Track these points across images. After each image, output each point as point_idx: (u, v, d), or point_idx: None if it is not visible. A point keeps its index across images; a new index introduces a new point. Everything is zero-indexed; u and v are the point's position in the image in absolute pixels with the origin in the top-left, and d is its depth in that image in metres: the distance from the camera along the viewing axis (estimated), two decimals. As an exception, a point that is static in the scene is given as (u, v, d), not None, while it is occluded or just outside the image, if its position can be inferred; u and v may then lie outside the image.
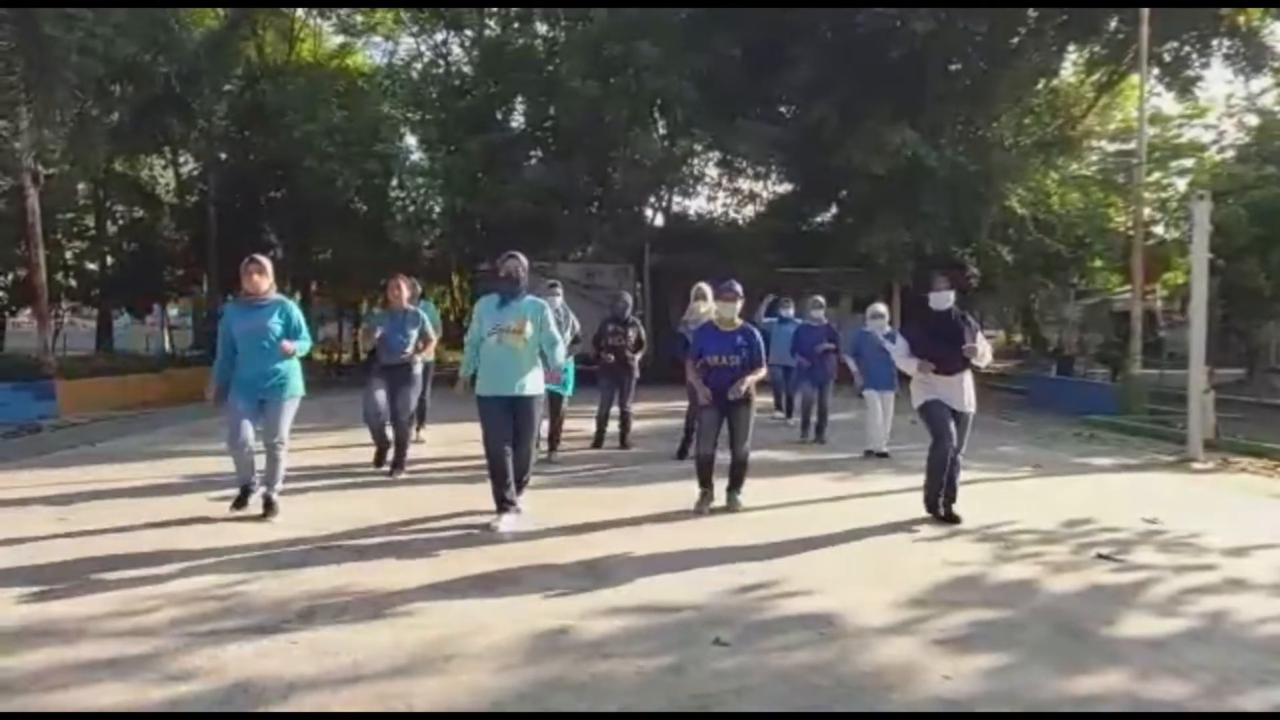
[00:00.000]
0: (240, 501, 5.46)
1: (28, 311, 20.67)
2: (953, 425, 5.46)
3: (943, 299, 5.55)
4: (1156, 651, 3.35)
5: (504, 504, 5.21)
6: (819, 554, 4.69)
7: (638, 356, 8.32)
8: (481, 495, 6.03)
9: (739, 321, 5.74)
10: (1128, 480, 7.38)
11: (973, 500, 6.15)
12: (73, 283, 22.23)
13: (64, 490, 6.21)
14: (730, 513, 5.64)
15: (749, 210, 21.82)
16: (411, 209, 21.11)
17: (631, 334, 8.26)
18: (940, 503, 5.53)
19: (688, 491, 5.86)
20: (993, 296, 24.67)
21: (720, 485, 5.78)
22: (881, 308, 8.52)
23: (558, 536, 4.98)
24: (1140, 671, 3.16)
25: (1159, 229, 19.84)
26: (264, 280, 5.33)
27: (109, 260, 21.89)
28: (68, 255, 21.99)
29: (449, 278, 27.01)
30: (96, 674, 3.02)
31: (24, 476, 6.92)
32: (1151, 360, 16.26)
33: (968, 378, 5.55)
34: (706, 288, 6.76)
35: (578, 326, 7.81)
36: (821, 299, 9.81)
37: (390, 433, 6.94)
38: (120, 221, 23.33)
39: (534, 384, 5.25)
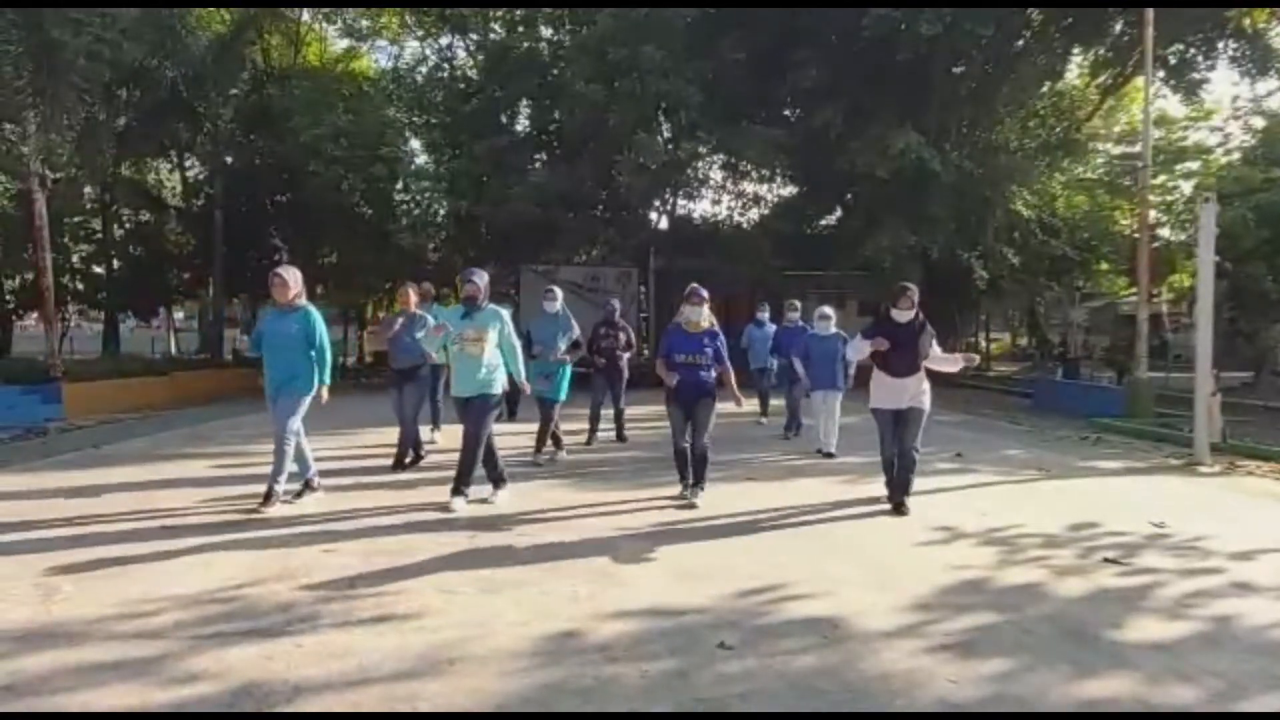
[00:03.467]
0: (300, 493, 5.91)
1: (35, 315, 20.78)
2: (895, 424, 5.95)
3: (904, 314, 5.90)
4: (1164, 656, 3.33)
5: (499, 480, 6.04)
6: (823, 557, 4.68)
7: (626, 357, 8.75)
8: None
9: (706, 324, 6.07)
10: (1134, 483, 7.35)
11: (978, 503, 6.16)
12: (79, 286, 22.29)
13: (69, 493, 6.23)
14: (689, 507, 5.86)
15: (754, 213, 21.81)
16: (416, 212, 21.12)
17: (622, 337, 8.68)
18: (891, 494, 5.99)
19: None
20: (998, 299, 24.65)
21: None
22: (829, 310, 8.63)
23: (561, 539, 4.98)
24: (1148, 676, 3.14)
25: (1165, 232, 19.80)
26: (287, 290, 5.74)
27: (115, 264, 21.95)
28: (74, 259, 22.07)
29: (454, 281, 27.09)
30: (101, 676, 3.03)
31: (30, 479, 6.94)
32: (1157, 363, 16.21)
33: (916, 380, 5.88)
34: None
35: (577, 331, 7.93)
36: (797, 303, 9.95)
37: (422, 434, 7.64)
38: (127, 225, 23.41)
39: (487, 386, 5.73)
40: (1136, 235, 14.80)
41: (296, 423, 5.72)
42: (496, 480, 6.04)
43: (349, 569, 4.31)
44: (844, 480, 7.06)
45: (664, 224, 21.36)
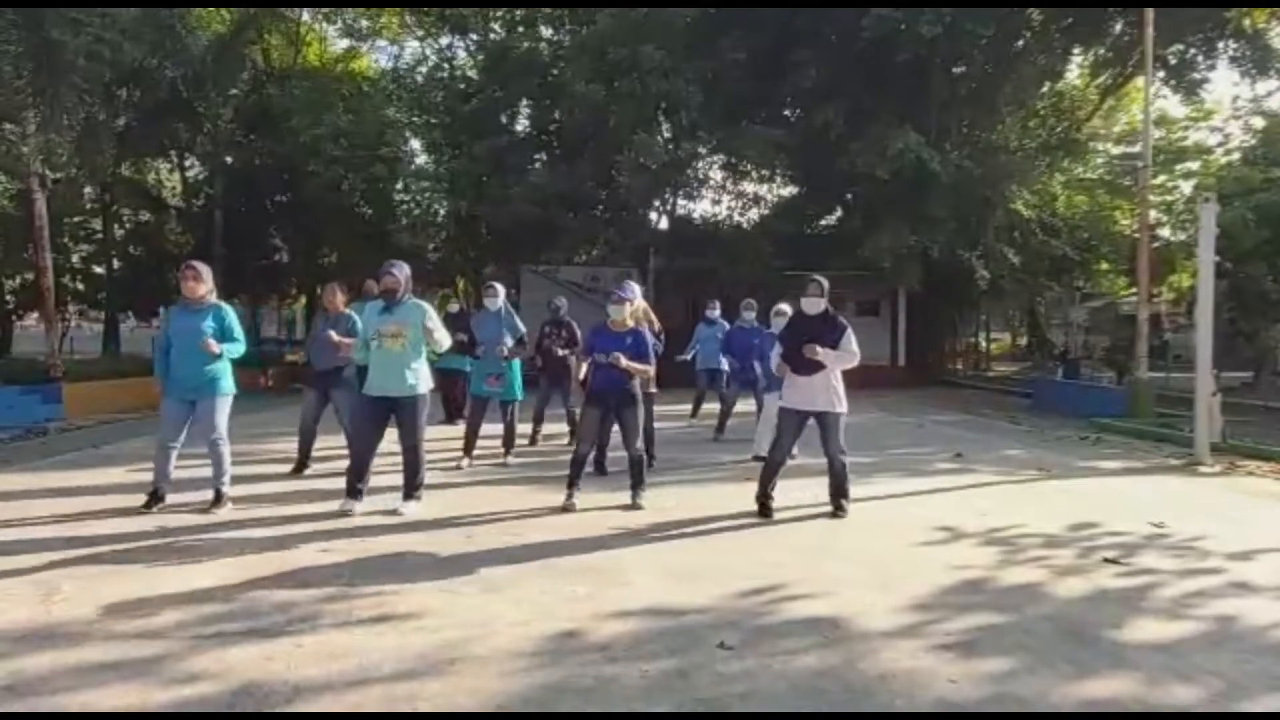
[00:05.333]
0: (149, 503, 5.63)
1: (35, 315, 20.80)
2: (801, 427, 5.75)
3: (812, 304, 5.72)
4: (1164, 656, 3.33)
5: (354, 491, 5.62)
6: (823, 557, 4.68)
7: (572, 357, 8.42)
8: (473, 498, 6.07)
9: (630, 323, 5.97)
10: (1134, 483, 7.35)
11: (978, 503, 6.16)
12: (80, 286, 22.34)
13: (69, 493, 6.23)
14: (634, 510, 5.76)
15: (753, 213, 21.81)
16: (416, 212, 21.13)
17: (566, 335, 8.43)
18: (768, 497, 5.73)
19: (682, 495, 5.90)
20: (999, 299, 24.65)
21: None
22: (785, 307, 8.09)
23: (558, 539, 4.98)
24: (1148, 676, 3.14)
25: (1165, 232, 19.78)
26: (200, 285, 5.61)
27: (115, 264, 21.98)
28: (75, 259, 22.11)
29: (453, 281, 27.15)
30: (101, 676, 3.03)
31: (30, 479, 6.94)
32: (1157, 363, 16.21)
33: (824, 378, 5.63)
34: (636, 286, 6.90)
35: (522, 329, 7.78)
36: (753, 301, 9.64)
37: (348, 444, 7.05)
38: (127, 225, 23.44)
39: (414, 384, 5.54)
40: (1137, 235, 14.81)
41: (224, 426, 5.67)
42: (411, 491, 5.68)
43: (348, 569, 4.31)
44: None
45: (664, 224, 21.35)
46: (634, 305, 6.15)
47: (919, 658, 3.27)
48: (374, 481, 5.88)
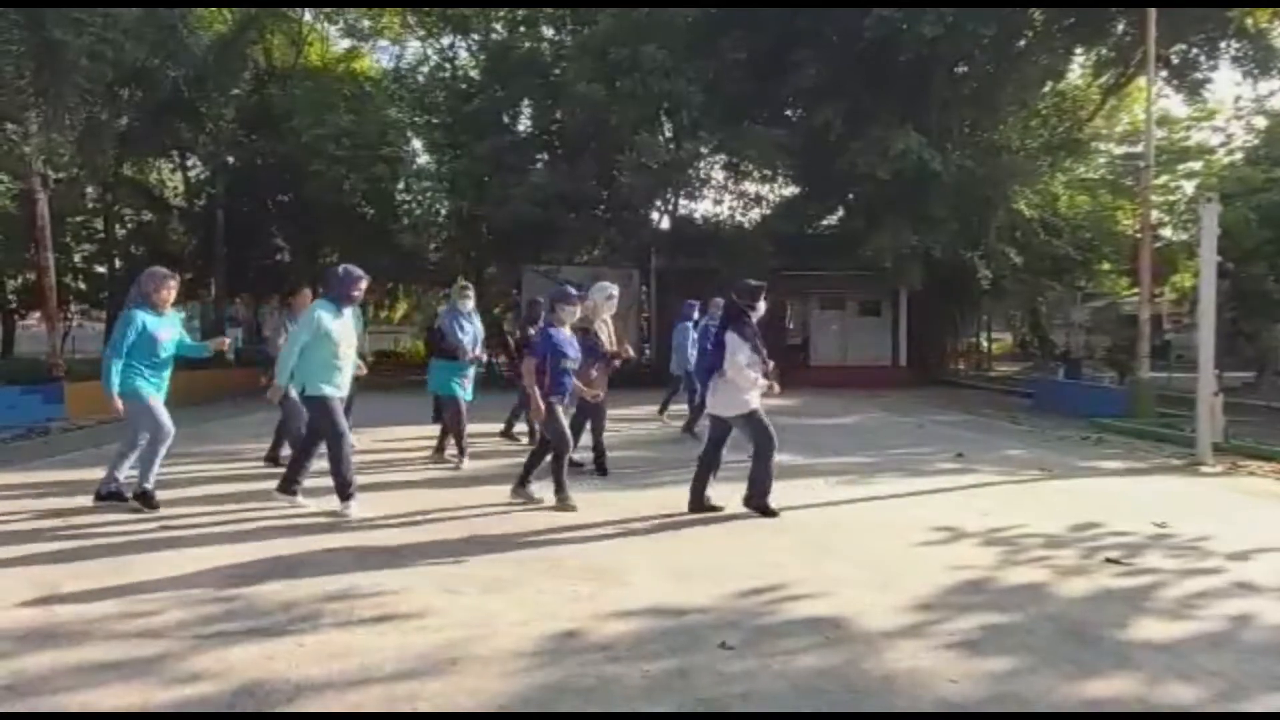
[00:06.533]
0: (151, 504, 5.72)
1: (37, 314, 20.82)
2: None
3: (761, 310, 5.71)
4: (1166, 656, 3.32)
5: (346, 495, 5.60)
6: (824, 557, 4.68)
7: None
8: (473, 497, 6.06)
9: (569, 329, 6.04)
10: (1136, 484, 7.33)
11: (979, 503, 6.15)
12: (82, 286, 22.36)
13: (71, 492, 6.23)
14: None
15: (755, 213, 21.79)
16: (418, 212, 21.14)
17: None
18: (706, 494, 5.75)
19: (682, 495, 5.87)
20: (1000, 299, 24.62)
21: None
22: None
23: (559, 538, 4.98)
24: (1150, 676, 3.13)
25: (1167, 232, 19.77)
26: (173, 294, 5.87)
27: (117, 263, 22.00)
28: (77, 258, 22.13)
29: (454, 281, 27.20)
30: (103, 676, 3.03)
31: (31, 478, 6.95)
32: (1159, 363, 16.17)
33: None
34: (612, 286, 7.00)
35: (481, 332, 7.82)
36: (720, 300, 9.61)
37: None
38: (129, 225, 23.47)
39: (353, 383, 5.86)
40: (1139, 235, 14.78)
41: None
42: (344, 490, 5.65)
43: (350, 568, 4.31)
44: (842, 481, 7.04)
45: (665, 224, 21.36)
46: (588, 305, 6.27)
47: (920, 657, 3.26)
48: (368, 480, 5.88)
